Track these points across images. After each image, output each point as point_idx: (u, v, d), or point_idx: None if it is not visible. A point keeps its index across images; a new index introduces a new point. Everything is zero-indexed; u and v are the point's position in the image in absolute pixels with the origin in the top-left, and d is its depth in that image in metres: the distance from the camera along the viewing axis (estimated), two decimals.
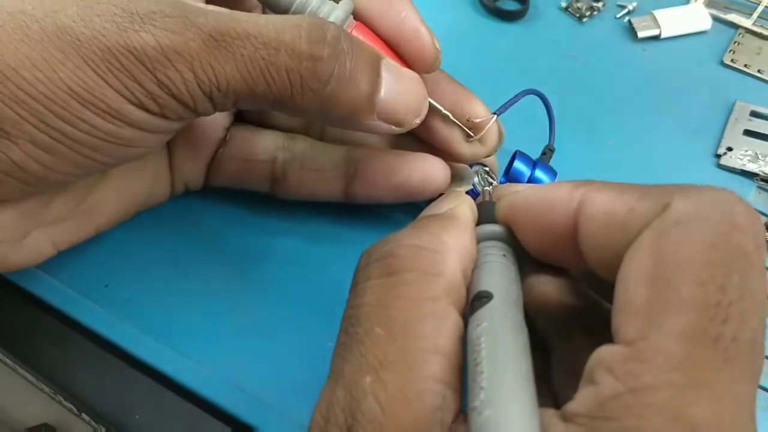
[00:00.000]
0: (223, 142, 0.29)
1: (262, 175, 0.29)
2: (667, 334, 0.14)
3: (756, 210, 0.32)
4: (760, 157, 0.34)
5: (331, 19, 0.23)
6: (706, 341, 0.13)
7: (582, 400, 0.14)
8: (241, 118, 0.30)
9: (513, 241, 0.20)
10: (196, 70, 0.20)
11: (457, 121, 0.27)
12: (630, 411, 0.13)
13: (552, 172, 0.30)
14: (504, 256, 0.20)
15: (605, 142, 0.35)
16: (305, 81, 0.21)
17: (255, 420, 0.26)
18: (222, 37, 0.20)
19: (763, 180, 0.34)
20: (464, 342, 0.17)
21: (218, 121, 0.29)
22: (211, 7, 0.21)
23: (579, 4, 0.42)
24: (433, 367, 0.16)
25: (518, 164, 0.30)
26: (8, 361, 0.28)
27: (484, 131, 0.27)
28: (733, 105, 0.37)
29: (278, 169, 0.29)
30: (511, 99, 0.29)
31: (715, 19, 0.41)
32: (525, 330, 0.17)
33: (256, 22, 0.21)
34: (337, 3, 0.24)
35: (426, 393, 0.15)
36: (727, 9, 0.41)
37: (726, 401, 0.13)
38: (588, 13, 0.41)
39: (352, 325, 0.17)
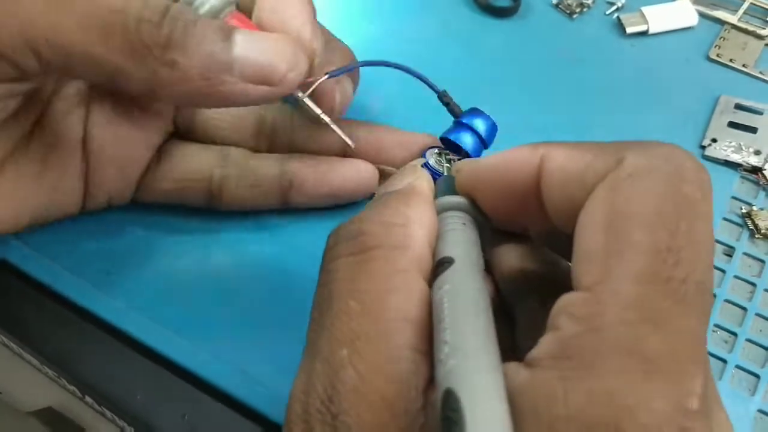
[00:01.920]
0: (155, 160, 0.29)
1: (198, 194, 0.29)
2: (622, 277, 0.15)
3: (740, 199, 0.33)
4: (743, 148, 0.35)
5: (207, 6, 0.23)
6: (658, 283, 0.14)
7: (544, 344, 0.15)
8: (176, 134, 0.30)
9: (473, 210, 0.21)
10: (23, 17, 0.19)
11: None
12: (589, 349, 0.14)
13: (479, 113, 0.30)
14: (464, 224, 0.21)
15: (593, 135, 0.36)
16: (145, 45, 0.20)
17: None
18: None
19: (746, 170, 0.35)
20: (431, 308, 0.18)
21: (148, 139, 0.28)
22: None
23: (569, 1, 0.43)
24: (405, 336, 0.17)
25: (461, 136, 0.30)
26: (13, 345, 0.29)
27: (310, 90, 0.27)
28: (718, 98, 0.38)
29: (214, 187, 0.29)
30: (361, 63, 0.29)
31: (702, 15, 0.42)
32: (485, 290, 0.17)
33: None
34: None
35: (401, 360, 0.16)
36: (714, 5, 0.42)
37: (678, 336, 0.14)
38: (578, 10, 0.42)
39: (325, 301, 0.18)
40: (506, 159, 0.20)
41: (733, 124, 0.36)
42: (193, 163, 0.29)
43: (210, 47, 0.21)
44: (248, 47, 0.22)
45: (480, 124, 0.29)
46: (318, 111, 0.27)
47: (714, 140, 0.36)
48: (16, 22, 0.19)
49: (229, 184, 0.29)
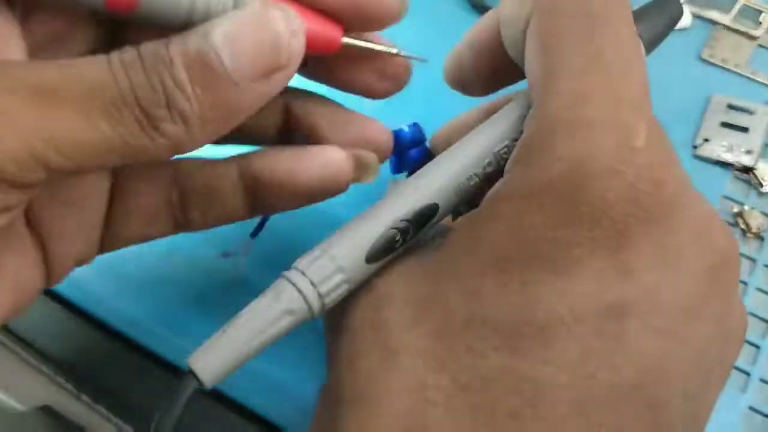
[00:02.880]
0: (108, 207, 0.24)
1: (164, 226, 0.25)
2: (558, 79, 0.17)
3: (731, 199, 0.34)
4: (735, 147, 0.35)
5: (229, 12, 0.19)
6: (588, 70, 0.17)
7: (510, 157, 0.18)
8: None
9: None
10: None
11: (377, 47, 0.22)
12: (541, 139, 0.17)
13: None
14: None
15: None
16: (150, 115, 0.17)
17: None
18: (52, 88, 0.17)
19: (737, 170, 0.35)
20: None
21: (96, 190, 0.23)
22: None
23: None
24: None
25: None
26: (9, 343, 0.29)
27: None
28: (711, 98, 0.38)
29: (176, 211, 0.24)
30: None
31: (695, 15, 0.42)
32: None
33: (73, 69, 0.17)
34: None
35: None
36: (707, 6, 0.43)
37: (615, 101, 0.17)
38: None
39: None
40: (474, 29, 0.22)
41: (725, 124, 0.36)
42: (147, 195, 0.24)
43: (206, 76, 0.18)
44: (236, 44, 0.18)
45: (408, 136, 0.29)
46: (369, 45, 0.22)
47: (706, 140, 0.36)
48: (14, 137, 0.16)
49: (191, 204, 0.24)
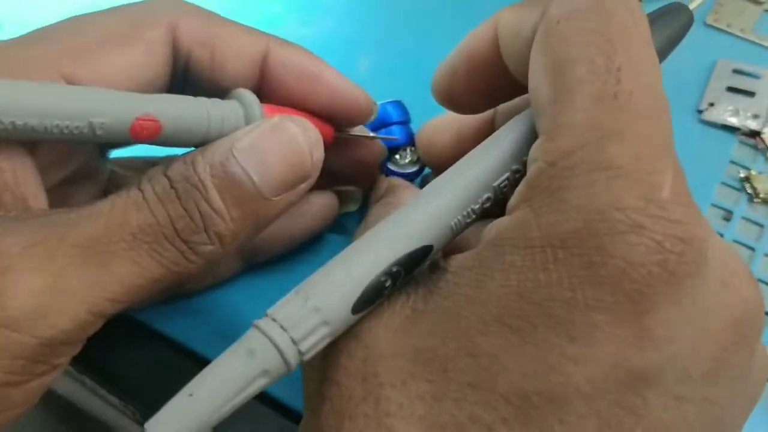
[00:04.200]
0: None
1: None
2: (571, 109, 0.15)
3: (738, 163, 0.33)
4: (741, 111, 0.34)
5: (246, 128, 0.20)
6: (606, 101, 0.14)
7: (517, 191, 0.15)
8: None
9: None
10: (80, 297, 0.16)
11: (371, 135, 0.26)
12: (553, 177, 0.14)
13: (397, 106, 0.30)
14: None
15: None
16: (189, 241, 0.18)
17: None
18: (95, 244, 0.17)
19: (744, 134, 0.34)
20: None
21: None
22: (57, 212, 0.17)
23: None
24: None
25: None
26: None
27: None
28: (716, 63, 0.37)
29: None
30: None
31: None
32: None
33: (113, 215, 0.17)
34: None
35: None
36: None
37: (637, 141, 0.14)
38: None
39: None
40: (469, 40, 0.20)
41: (731, 89, 0.35)
42: None
43: (239, 195, 0.18)
44: (263, 162, 0.18)
45: (391, 114, 0.29)
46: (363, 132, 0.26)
47: (711, 104, 0.35)
48: (74, 303, 0.16)
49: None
